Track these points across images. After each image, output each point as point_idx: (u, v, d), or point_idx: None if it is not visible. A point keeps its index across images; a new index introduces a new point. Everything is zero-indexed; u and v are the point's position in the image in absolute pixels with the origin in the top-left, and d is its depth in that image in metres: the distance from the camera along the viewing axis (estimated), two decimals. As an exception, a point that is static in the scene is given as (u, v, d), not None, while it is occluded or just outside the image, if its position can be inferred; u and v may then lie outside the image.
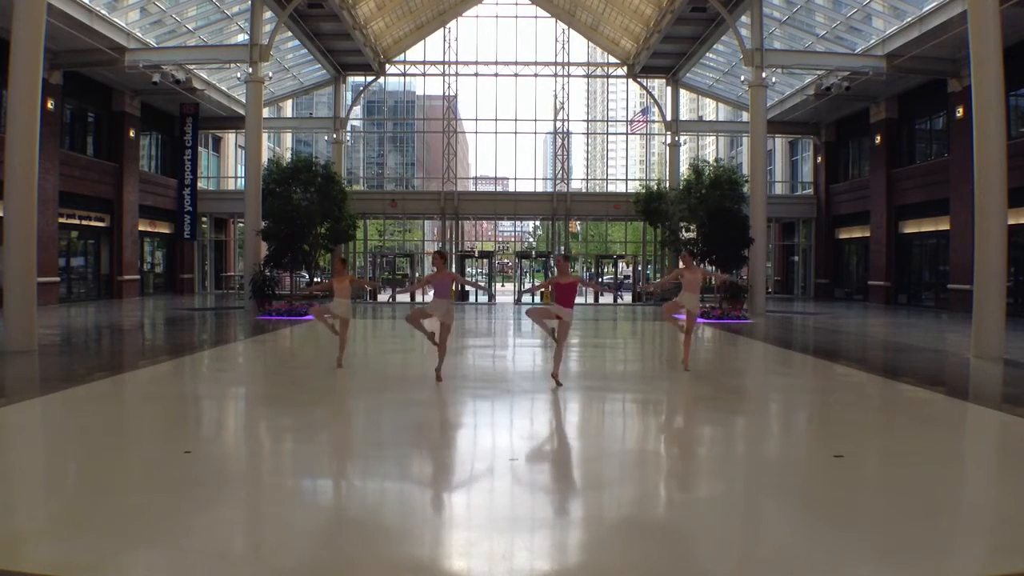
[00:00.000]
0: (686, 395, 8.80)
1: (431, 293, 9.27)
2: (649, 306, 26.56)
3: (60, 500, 4.80)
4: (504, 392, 8.85)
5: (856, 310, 24.26)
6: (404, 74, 33.64)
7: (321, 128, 34.10)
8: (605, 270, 36.49)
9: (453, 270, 32.14)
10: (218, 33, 26.09)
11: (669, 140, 32.41)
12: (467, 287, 8.98)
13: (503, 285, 41.37)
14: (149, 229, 28.81)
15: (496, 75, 32.90)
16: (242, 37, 24.98)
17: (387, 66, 32.37)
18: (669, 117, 32.31)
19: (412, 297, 29.01)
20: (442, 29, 32.35)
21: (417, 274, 31.88)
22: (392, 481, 5.44)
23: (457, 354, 12.81)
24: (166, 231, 30.16)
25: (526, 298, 29.21)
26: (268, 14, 23.28)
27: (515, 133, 33.59)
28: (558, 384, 8.61)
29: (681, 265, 10.68)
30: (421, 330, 9.25)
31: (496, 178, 42.68)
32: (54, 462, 5.77)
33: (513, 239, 47.53)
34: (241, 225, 30.54)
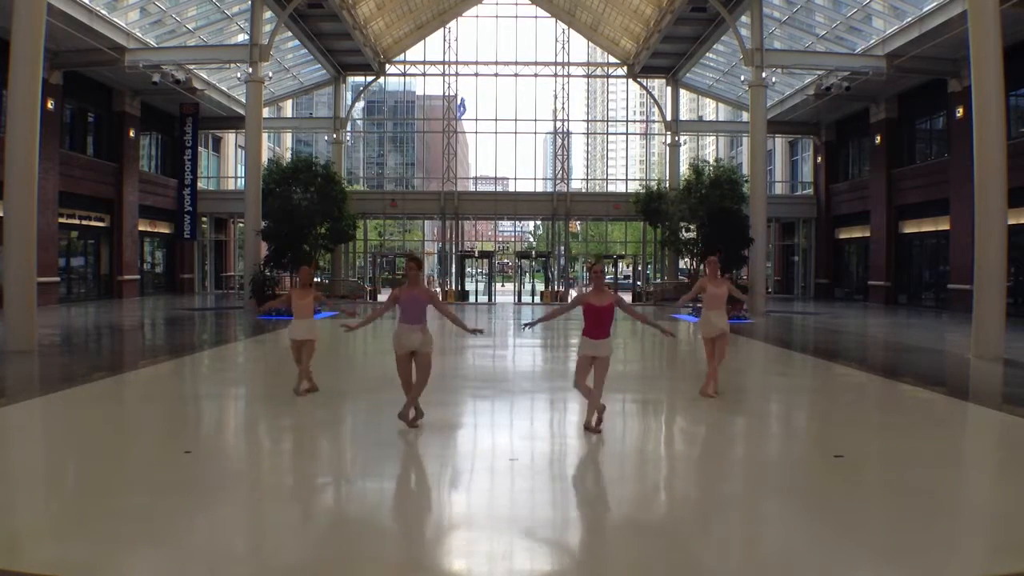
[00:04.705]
0: (686, 396, 8.79)
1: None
2: (649, 306, 26.55)
3: (60, 500, 4.81)
4: (504, 392, 8.85)
5: (856, 310, 24.26)
6: (404, 74, 33.64)
7: (321, 128, 34.10)
8: (605, 270, 36.43)
9: (452, 271, 32.10)
10: (218, 33, 26.09)
11: (669, 140, 32.40)
12: (448, 317, 6.30)
13: (503, 285, 41.35)
14: (149, 229, 28.79)
15: (496, 75, 32.90)
16: (242, 37, 24.97)
17: (387, 66, 32.37)
18: (669, 117, 32.30)
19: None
20: (442, 29, 32.35)
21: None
22: (392, 481, 5.44)
23: (456, 354, 12.81)
24: (166, 231, 30.15)
25: (525, 297, 29.19)
26: (268, 14, 23.28)
27: (515, 133, 33.60)
28: (597, 432, 6.51)
29: (705, 274, 8.73)
30: (410, 399, 6.70)
31: (496, 178, 42.69)
32: (54, 462, 5.77)
33: (513, 239, 47.54)
34: (241, 225, 30.54)
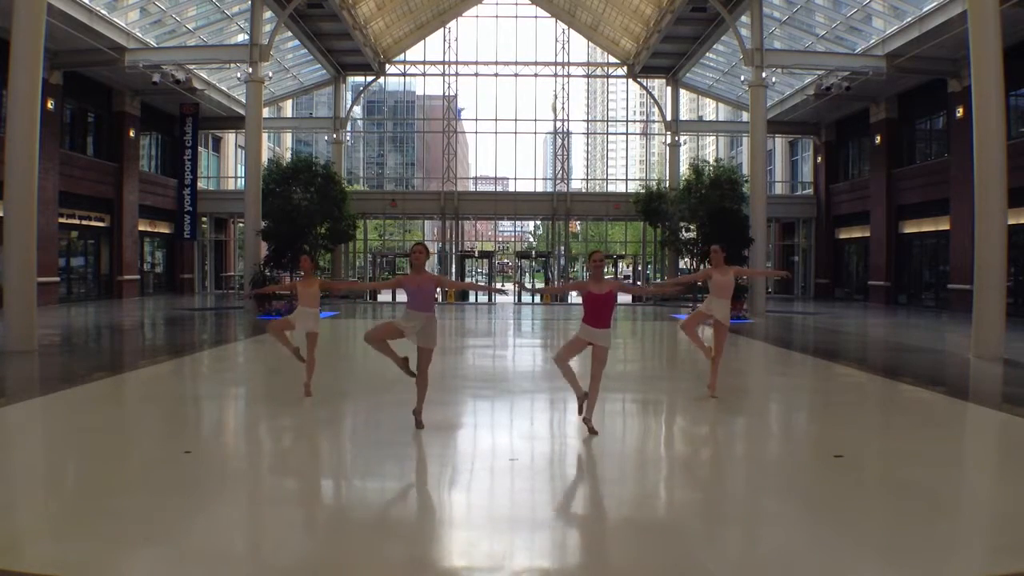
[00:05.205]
0: (686, 395, 8.79)
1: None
2: (649, 306, 26.55)
3: (60, 500, 4.81)
4: (504, 392, 8.85)
5: (856, 310, 24.26)
6: (404, 74, 33.65)
7: (321, 128, 34.11)
8: (605, 269, 36.52)
9: (453, 269, 32.11)
10: (218, 33, 26.09)
11: (669, 140, 32.40)
12: (466, 287, 6.31)
13: (503, 285, 41.38)
14: (149, 229, 28.80)
15: (496, 75, 32.91)
16: (242, 37, 24.97)
17: (387, 66, 32.38)
18: (669, 117, 32.31)
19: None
20: (442, 29, 32.37)
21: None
22: (392, 481, 5.44)
23: (456, 354, 12.82)
24: (166, 231, 30.15)
25: (525, 296, 29.21)
26: (268, 14, 23.28)
27: (515, 133, 33.61)
28: (592, 432, 6.42)
29: (710, 265, 8.51)
30: (391, 356, 6.71)
31: (496, 178, 42.69)
32: (54, 462, 5.77)
33: (513, 239, 47.53)
34: (241, 225, 30.54)
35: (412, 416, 6.68)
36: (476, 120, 33.66)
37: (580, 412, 6.56)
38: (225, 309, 23.01)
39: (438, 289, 6.85)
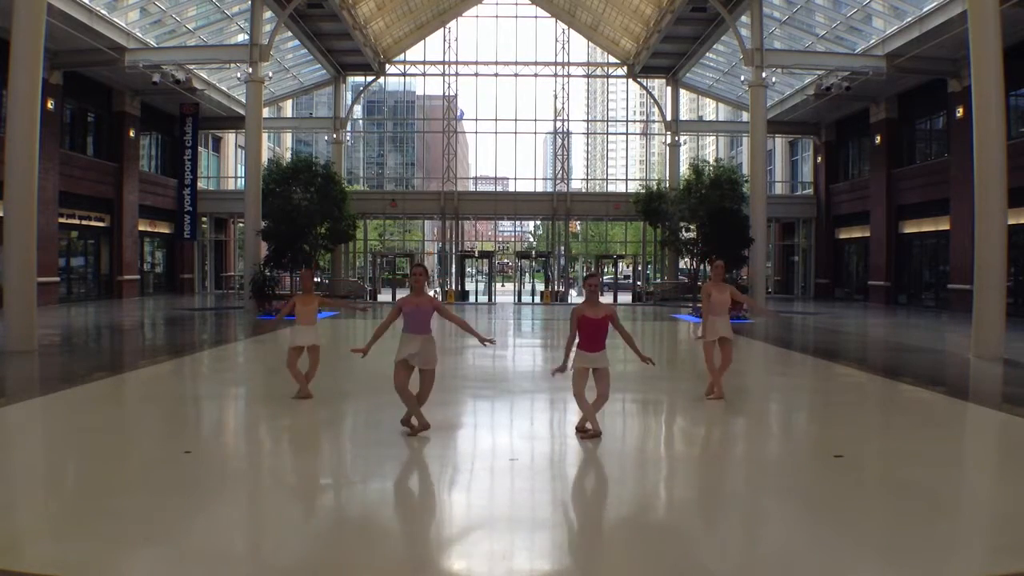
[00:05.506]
0: (687, 396, 8.79)
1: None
2: (649, 306, 26.55)
3: (60, 500, 4.80)
4: (504, 392, 8.85)
5: (856, 310, 24.25)
6: (404, 74, 33.65)
7: (321, 128, 34.12)
8: (605, 270, 36.59)
9: (452, 271, 32.11)
10: (218, 33, 26.09)
11: (669, 140, 32.41)
12: (458, 325, 6.01)
13: (503, 285, 41.36)
14: (149, 229, 28.80)
15: (496, 75, 32.91)
16: (242, 37, 24.98)
17: (387, 66, 32.38)
18: (669, 117, 32.31)
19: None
20: (442, 29, 32.36)
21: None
22: (392, 481, 5.44)
23: (456, 354, 12.81)
24: (166, 231, 30.15)
25: (525, 297, 29.19)
26: (268, 14, 23.29)
27: (515, 133, 33.60)
28: (584, 436, 6.29)
29: (709, 268, 8.13)
30: (415, 412, 6.48)
31: (496, 178, 42.71)
32: (54, 462, 5.77)
33: (513, 239, 47.54)
34: (241, 225, 30.54)
35: (408, 422, 6.48)
36: (476, 120, 33.65)
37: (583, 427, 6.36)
38: (225, 309, 23.00)
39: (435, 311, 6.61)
